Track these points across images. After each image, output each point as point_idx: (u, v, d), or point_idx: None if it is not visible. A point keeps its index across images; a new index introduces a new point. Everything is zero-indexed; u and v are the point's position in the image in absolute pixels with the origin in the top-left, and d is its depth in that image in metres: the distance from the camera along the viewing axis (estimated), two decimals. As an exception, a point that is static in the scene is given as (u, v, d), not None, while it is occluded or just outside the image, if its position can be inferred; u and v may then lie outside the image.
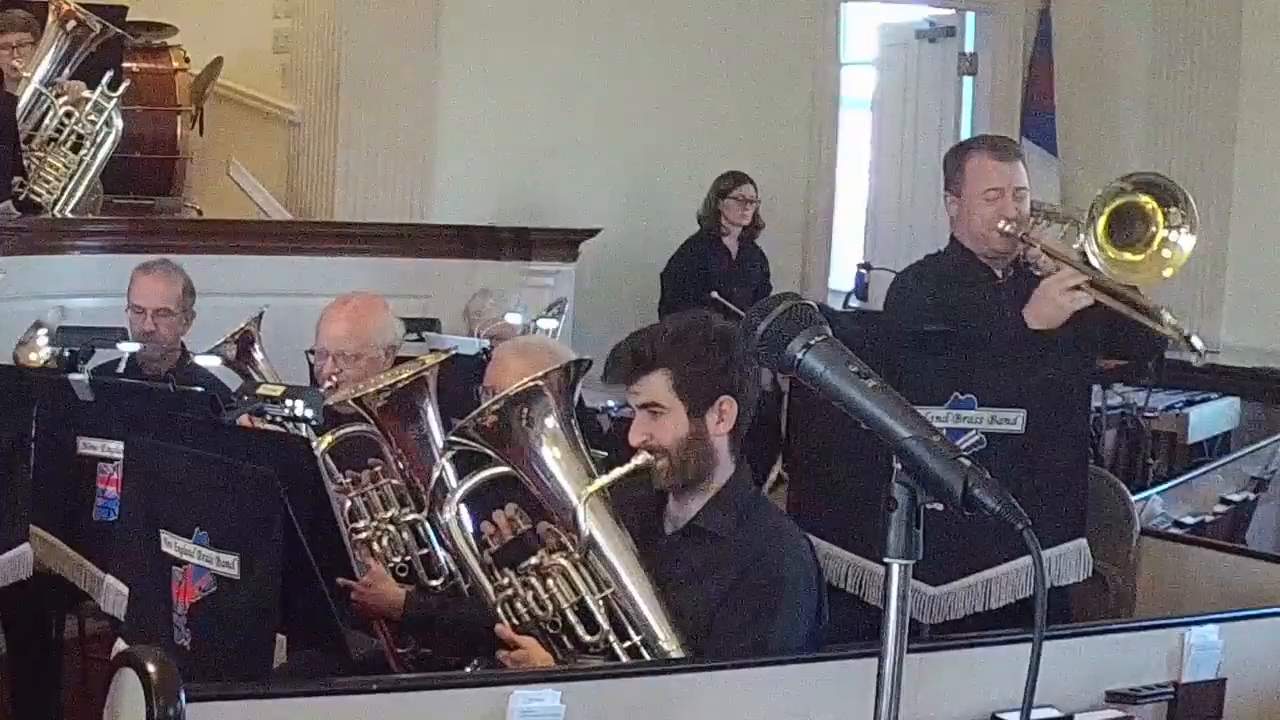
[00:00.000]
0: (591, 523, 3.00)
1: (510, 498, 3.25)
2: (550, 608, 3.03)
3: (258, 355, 5.08)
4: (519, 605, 3.06)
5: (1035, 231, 4.03)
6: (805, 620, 3.04)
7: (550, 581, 3.04)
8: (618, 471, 3.05)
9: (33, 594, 3.84)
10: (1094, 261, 3.90)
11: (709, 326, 3.08)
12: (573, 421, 3.14)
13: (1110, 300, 3.88)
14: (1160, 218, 3.95)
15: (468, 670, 3.32)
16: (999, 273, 4.06)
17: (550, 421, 3.09)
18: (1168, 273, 3.97)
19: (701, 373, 3.04)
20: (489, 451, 3.13)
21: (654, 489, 3.12)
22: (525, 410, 3.08)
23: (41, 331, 5.11)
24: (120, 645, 2.99)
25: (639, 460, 3.05)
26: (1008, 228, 3.98)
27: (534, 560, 3.08)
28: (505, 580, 3.10)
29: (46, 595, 4.10)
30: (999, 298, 4.01)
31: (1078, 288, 3.86)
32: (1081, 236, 3.96)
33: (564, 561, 3.04)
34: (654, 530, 3.15)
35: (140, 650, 2.49)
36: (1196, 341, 3.93)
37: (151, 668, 2.42)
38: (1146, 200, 3.97)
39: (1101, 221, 3.94)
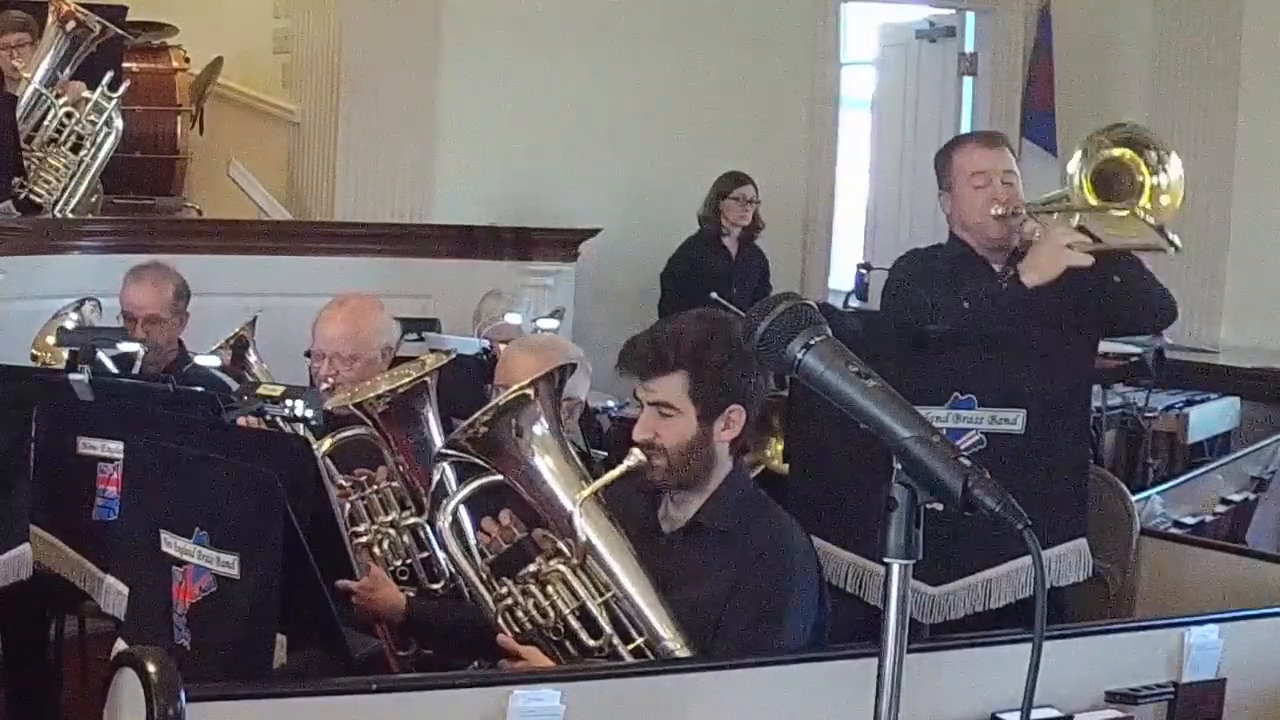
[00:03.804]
0: (587, 526, 3.00)
1: (509, 503, 3.25)
2: (552, 615, 3.02)
3: (252, 359, 5.09)
4: (520, 614, 3.05)
5: (1028, 225, 4.03)
6: (810, 613, 3.05)
7: (550, 588, 3.03)
8: (611, 474, 3.05)
9: (33, 594, 3.84)
10: (1095, 231, 3.92)
11: (731, 334, 3.05)
12: (561, 427, 3.13)
13: (1102, 247, 3.89)
14: (1142, 165, 3.95)
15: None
16: (997, 267, 4.06)
17: (539, 429, 3.07)
18: (1165, 202, 3.95)
19: (718, 381, 3.03)
20: (482, 462, 3.12)
21: (649, 489, 3.12)
22: (514, 420, 3.06)
23: (73, 317, 5.14)
24: (120, 645, 2.99)
25: (631, 462, 3.04)
26: (999, 210, 3.99)
27: (532, 568, 3.07)
28: (504, 589, 3.08)
29: (46, 595, 4.10)
30: (996, 291, 4.01)
31: (1071, 246, 3.88)
32: (1075, 217, 3.97)
33: (562, 567, 3.03)
34: (652, 530, 3.15)
35: (140, 650, 2.49)
36: (1173, 237, 3.92)
37: (151, 668, 2.42)
38: (1122, 153, 3.96)
39: (1087, 188, 3.95)
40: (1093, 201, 3.94)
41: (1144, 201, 3.93)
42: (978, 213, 4.02)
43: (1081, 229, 3.93)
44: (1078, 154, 3.99)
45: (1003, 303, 3.90)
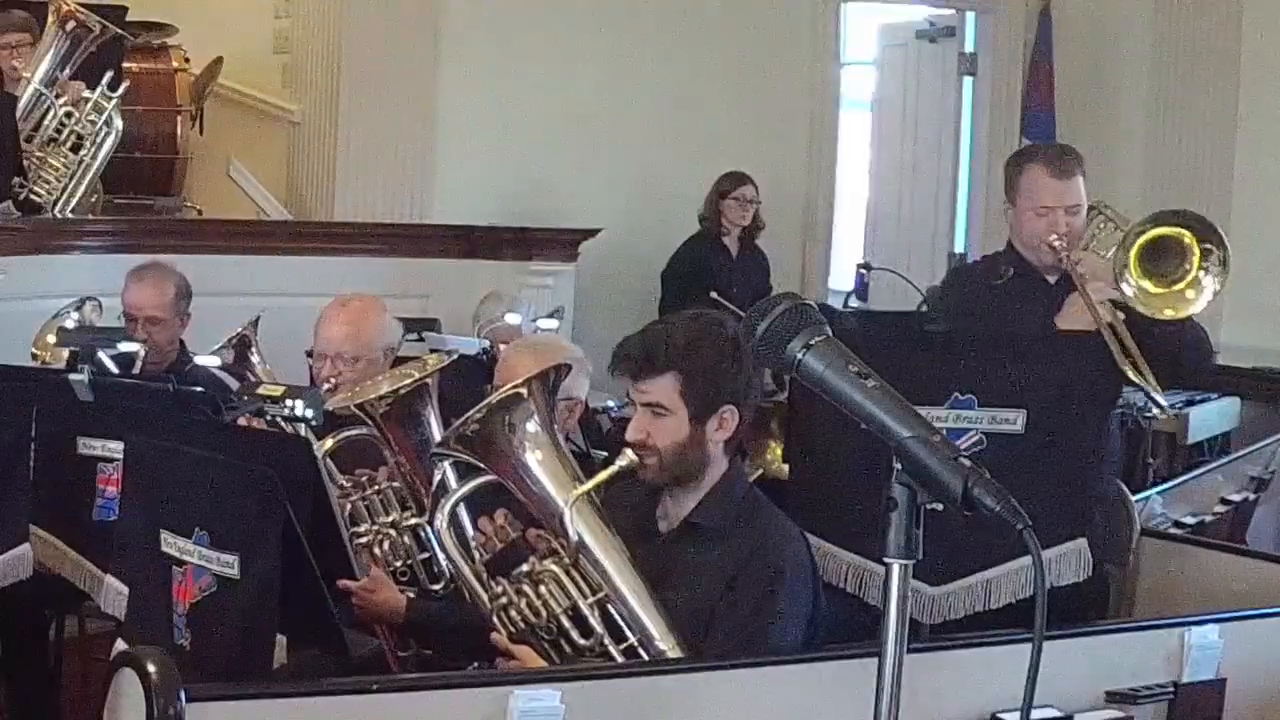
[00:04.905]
0: (580, 526, 2.99)
1: (506, 503, 3.25)
2: (544, 614, 3.01)
3: (254, 359, 5.08)
4: (513, 613, 3.04)
5: (1078, 253, 4.06)
6: (804, 610, 3.05)
7: (542, 588, 3.03)
8: (603, 474, 3.05)
9: (33, 594, 3.84)
10: (1124, 285, 3.94)
11: (723, 334, 3.06)
12: (556, 427, 3.13)
13: (1114, 331, 3.92)
14: (1197, 256, 3.96)
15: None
16: (1051, 280, 4.10)
17: (533, 427, 3.07)
18: (1168, 313, 3.99)
19: (710, 381, 3.04)
20: (474, 462, 3.11)
21: (647, 489, 3.12)
22: (508, 418, 3.06)
23: (73, 317, 5.14)
24: (120, 645, 2.99)
25: (622, 462, 3.04)
26: (1057, 243, 4.03)
27: (525, 567, 3.06)
28: (499, 588, 3.08)
29: (46, 595, 4.10)
30: (1048, 300, 4.04)
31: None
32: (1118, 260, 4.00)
33: (555, 567, 3.02)
34: (650, 529, 3.15)
35: (140, 650, 2.50)
36: (1161, 400, 3.99)
37: (151, 668, 2.42)
38: (1185, 234, 3.98)
39: (1137, 246, 3.97)
40: (1133, 262, 3.97)
41: (1180, 287, 3.96)
42: (1036, 238, 4.10)
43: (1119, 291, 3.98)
44: (1153, 215, 4.03)
45: None
